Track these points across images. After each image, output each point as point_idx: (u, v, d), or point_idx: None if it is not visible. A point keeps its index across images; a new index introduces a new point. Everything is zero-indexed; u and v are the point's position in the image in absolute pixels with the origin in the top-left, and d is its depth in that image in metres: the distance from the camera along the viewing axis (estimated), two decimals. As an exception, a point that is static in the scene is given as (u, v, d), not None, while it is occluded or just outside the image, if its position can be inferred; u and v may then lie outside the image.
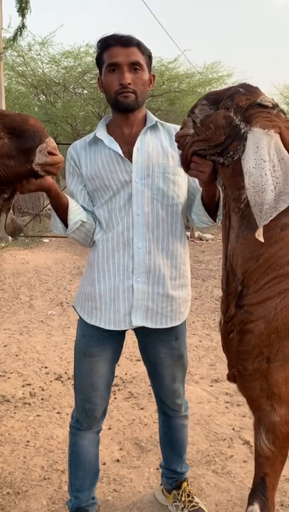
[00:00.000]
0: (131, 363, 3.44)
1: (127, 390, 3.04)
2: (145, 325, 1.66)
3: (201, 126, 1.36)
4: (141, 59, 1.60)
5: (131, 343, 3.74)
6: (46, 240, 9.19)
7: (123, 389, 3.06)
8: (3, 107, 8.84)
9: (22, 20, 4.93)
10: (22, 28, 5.10)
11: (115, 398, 2.91)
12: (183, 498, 1.90)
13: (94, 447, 1.81)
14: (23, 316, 4.55)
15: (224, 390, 3.02)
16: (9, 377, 3.21)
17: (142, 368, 3.32)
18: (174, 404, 1.85)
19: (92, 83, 14.14)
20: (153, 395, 1.96)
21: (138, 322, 1.65)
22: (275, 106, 1.37)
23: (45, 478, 2.17)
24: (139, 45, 1.61)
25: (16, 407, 2.81)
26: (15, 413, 2.74)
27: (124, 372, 3.29)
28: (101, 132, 1.67)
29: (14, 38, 5.54)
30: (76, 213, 1.60)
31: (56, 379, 3.19)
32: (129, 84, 1.57)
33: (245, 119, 1.34)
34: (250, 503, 1.51)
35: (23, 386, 3.09)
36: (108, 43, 1.62)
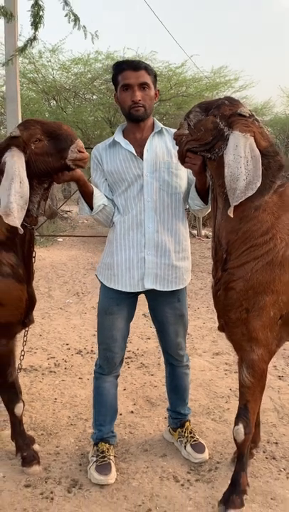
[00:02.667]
0: (142, 341, 3.87)
1: (139, 361, 3.47)
2: (155, 288, 2.10)
3: (194, 128, 1.80)
4: (148, 79, 2.04)
5: (141, 324, 4.20)
6: (60, 239, 9.66)
7: (135, 360, 3.49)
8: (19, 113, 9.29)
9: (34, 33, 5.21)
10: (33, 40, 5.37)
11: (129, 367, 3.34)
12: (186, 434, 2.33)
13: (113, 389, 2.25)
14: (43, 304, 5.00)
15: (224, 361, 3.44)
16: (35, 352, 3.65)
17: (151, 345, 3.77)
18: (178, 355, 2.29)
19: (102, 89, 14.58)
20: (161, 364, 2.39)
21: (149, 285, 2.09)
22: (251, 115, 1.80)
23: (71, 424, 2.61)
24: (146, 68, 2.06)
25: (43, 374, 3.26)
26: (43, 379, 3.18)
27: (136, 348, 3.71)
28: (118, 137, 2.12)
29: (23, 48, 5.83)
30: (99, 199, 2.05)
31: (77, 353, 3.64)
32: (140, 100, 2.01)
33: (228, 124, 1.78)
34: (236, 423, 1.94)
35: (48, 359, 3.53)
36: (122, 67, 2.07)
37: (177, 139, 1.87)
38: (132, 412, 2.75)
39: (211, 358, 3.52)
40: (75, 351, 3.68)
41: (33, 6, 4.68)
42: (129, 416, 2.70)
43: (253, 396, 1.92)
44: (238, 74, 15.82)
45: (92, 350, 3.64)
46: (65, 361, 3.48)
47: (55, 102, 16.78)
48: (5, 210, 1.83)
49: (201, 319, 4.42)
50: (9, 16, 5.11)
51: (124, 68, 2.06)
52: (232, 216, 1.73)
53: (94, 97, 16.05)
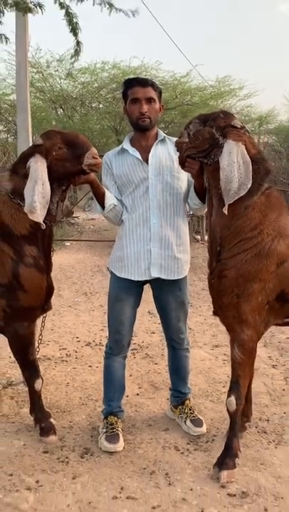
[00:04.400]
0: (147, 335, 4.15)
1: (144, 352, 3.74)
2: (160, 276, 2.38)
3: (193, 137, 2.09)
4: (154, 95, 2.34)
5: (146, 321, 4.47)
6: (68, 244, 9.96)
7: (141, 352, 3.76)
8: (29, 121, 9.63)
9: (76, 39, 5.45)
10: (78, 43, 5.61)
11: (135, 357, 3.62)
12: (186, 411, 2.60)
13: (121, 369, 2.53)
14: (53, 302, 5.28)
15: (222, 352, 3.71)
16: (48, 344, 3.93)
17: (155, 338, 4.04)
18: (179, 339, 2.57)
19: (108, 98, 14.93)
20: (165, 354, 2.68)
21: (155, 274, 2.38)
22: (243, 127, 2.09)
23: (83, 404, 2.89)
24: (152, 85, 2.36)
25: (56, 363, 3.54)
26: (55, 366, 3.46)
27: (142, 341, 3.99)
28: (126, 145, 2.41)
29: (75, 54, 6.02)
30: (110, 199, 2.34)
31: (86, 345, 3.92)
32: (146, 112, 2.31)
33: (222, 134, 2.07)
34: (228, 396, 2.22)
35: (59, 350, 3.81)
36: (131, 84, 2.37)
37: (178, 146, 2.16)
38: (137, 394, 3.02)
39: (210, 350, 3.79)
40: (85, 343, 3.95)
41: (65, 15, 5.03)
42: (135, 398, 2.97)
43: (244, 371, 2.20)
44: (243, 83, 16.07)
45: (100, 343, 3.92)
46: (76, 352, 3.76)
47: (62, 111, 17.13)
48: (30, 209, 2.13)
49: (203, 316, 4.69)
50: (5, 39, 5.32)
51: (133, 84, 2.36)
52: (226, 213, 2.02)
53: (100, 105, 16.38)
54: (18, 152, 9.94)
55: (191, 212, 2.52)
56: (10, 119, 16.70)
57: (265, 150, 22.58)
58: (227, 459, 2.18)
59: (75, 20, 4.95)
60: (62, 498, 2.05)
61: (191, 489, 2.12)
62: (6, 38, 4.90)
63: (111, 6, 4.74)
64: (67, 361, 3.57)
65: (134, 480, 2.18)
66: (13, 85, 15.08)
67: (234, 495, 2.08)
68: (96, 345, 3.90)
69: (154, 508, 2.00)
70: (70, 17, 4.91)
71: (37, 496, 2.06)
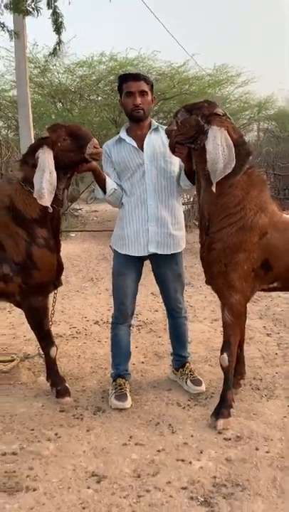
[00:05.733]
0: (150, 313, 4.44)
1: (148, 328, 4.03)
2: (157, 251, 2.66)
3: (180, 125, 2.35)
4: (146, 88, 2.60)
5: (150, 300, 4.75)
6: (73, 235, 10.25)
7: (145, 327, 4.05)
8: (30, 117, 9.87)
9: (59, 37, 5.64)
10: (59, 43, 5.81)
11: (140, 332, 3.91)
12: (186, 372, 2.89)
13: (127, 336, 2.82)
14: (62, 288, 5.51)
15: (221, 325, 3.95)
16: (59, 324, 4.22)
17: (158, 316, 4.32)
18: (177, 308, 2.85)
19: (106, 90, 15.09)
20: (167, 329, 2.99)
21: (153, 250, 2.66)
22: (225, 114, 2.35)
23: (93, 372, 3.19)
24: (145, 79, 2.62)
25: (67, 339, 3.83)
26: (67, 342, 3.76)
27: (146, 318, 4.27)
28: (123, 134, 2.68)
29: (53, 52, 6.21)
30: (110, 184, 2.61)
31: (94, 323, 4.21)
32: (140, 104, 2.57)
33: (207, 121, 2.33)
34: (221, 353, 2.51)
35: (70, 328, 4.11)
36: (125, 78, 2.63)
37: (168, 133, 2.42)
38: (142, 362, 3.32)
39: (210, 323, 4.08)
40: (93, 322, 4.25)
41: (52, 15, 5.23)
42: (140, 365, 3.27)
43: (234, 331, 2.48)
44: (240, 70, 16.14)
45: (107, 321, 4.20)
46: (85, 329, 4.06)
47: (61, 105, 17.30)
48: (38, 194, 2.41)
49: (203, 295, 4.97)
50: (16, 35, 5.57)
51: (127, 79, 2.63)
52: (214, 191, 2.28)
53: (99, 98, 16.50)
54: (20, 147, 10.21)
55: (192, 199, 2.79)
56: (10, 115, 16.88)
57: (265, 136, 22.72)
58: (223, 409, 2.48)
59: (60, 19, 5.13)
60: (79, 446, 2.35)
61: (192, 436, 2.41)
62: (15, 33, 5.14)
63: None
64: (77, 338, 3.86)
65: (141, 430, 2.48)
66: (11, 81, 15.26)
67: (229, 439, 2.38)
68: (104, 323, 4.19)
69: (159, 451, 2.30)
70: (56, 16, 5.09)
71: (56, 445, 2.36)
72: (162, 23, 18.64)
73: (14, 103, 15.28)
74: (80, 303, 4.91)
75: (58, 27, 5.20)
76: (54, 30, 5.23)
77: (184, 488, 2.04)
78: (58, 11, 5.05)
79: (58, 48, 5.65)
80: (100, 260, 7.33)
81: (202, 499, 1.97)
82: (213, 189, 2.27)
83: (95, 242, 9.14)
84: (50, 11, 5.04)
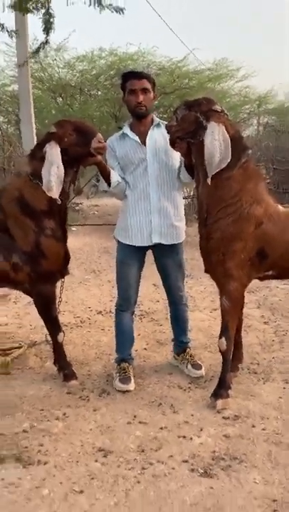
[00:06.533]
0: (152, 303, 4.57)
1: (150, 317, 4.17)
2: (160, 242, 2.80)
3: (180, 120, 2.48)
4: (148, 86, 2.72)
5: (151, 291, 4.89)
6: (74, 229, 10.36)
7: (147, 317, 4.19)
8: (32, 111, 9.95)
9: (46, 37, 5.75)
10: (45, 43, 5.92)
11: (142, 321, 4.05)
12: (187, 357, 3.03)
13: (130, 323, 2.97)
14: (65, 280, 5.72)
15: (220, 314, 4.13)
16: (63, 314, 4.33)
17: (159, 306, 4.46)
18: (178, 296, 3.00)
19: (106, 84, 15.14)
20: (168, 318, 3.15)
21: (156, 240, 2.79)
22: (222, 111, 2.48)
23: (98, 358, 3.33)
24: (147, 77, 2.74)
25: (71, 328, 3.97)
26: (72, 331, 3.89)
27: (148, 308, 4.41)
28: (126, 130, 2.81)
29: (36, 51, 6.34)
30: (115, 177, 2.74)
31: (98, 313, 4.35)
32: (142, 101, 2.70)
33: (205, 117, 2.46)
34: (220, 338, 2.65)
35: (74, 318, 4.25)
36: (128, 77, 2.75)
37: (168, 129, 2.55)
38: (145, 349, 3.46)
39: (209, 313, 4.22)
40: (96, 312, 4.39)
41: (44, 14, 5.32)
42: (143, 351, 3.41)
43: (232, 317, 2.62)
44: (240, 64, 16.17)
45: (110, 311, 4.33)
46: (89, 319, 4.20)
47: (61, 99, 17.35)
48: (47, 187, 2.54)
49: (203, 286, 5.10)
50: (15, 33, 5.67)
51: (130, 77, 2.75)
52: (209, 184, 2.41)
53: (99, 92, 16.53)
54: (23, 143, 10.31)
55: (192, 194, 2.92)
56: (10, 109, 16.92)
57: (264, 130, 22.78)
58: (222, 390, 2.62)
59: (51, 20, 5.20)
60: (86, 425, 2.50)
61: (192, 415, 2.56)
62: (15, 32, 5.23)
63: (100, 3, 4.97)
64: (81, 326, 4.00)
65: (144, 410, 2.62)
66: (11, 76, 15.29)
67: (228, 418, 2.52)
68: (106, 313, 4.33)
69: (161, 428, 2.45)
70: (48, 16, 5.16)
71: (65, 424, 2.50)
72: (162, 18, 18.61)
73: (14, 98, 15.33)
74: (84, 294, 5.05)
75: (47, 27, 5.27)
76: (43, 30, 5.29)
77: (185, 462, 2.18)
78: (51, 12, 5.13)
79: (42, 47, 5.72)
80: (101, 253, 7.47)
81: (202, 471, 2.12)
82: (208, 181, 2.40)
83: (97, 236, 9.27)
84: (43, 10, 5.11)
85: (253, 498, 1.94)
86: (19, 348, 3.42)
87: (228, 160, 2.39)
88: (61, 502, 1.95)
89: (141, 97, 2.70)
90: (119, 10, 4.96)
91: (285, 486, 2.01)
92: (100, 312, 4.37)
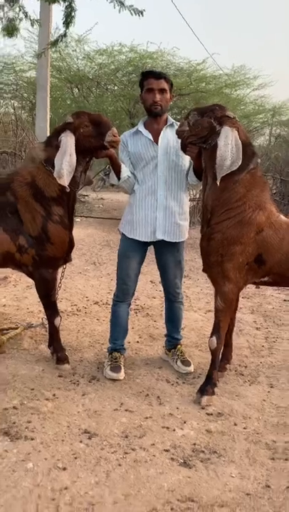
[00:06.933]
0: (148, 299, 4.65)
1: (145, 312, 4.26)
2: (163, 238, 2.88)
3: (193, 126, 2.55)
4: (165, 86, 2.80)
5: (148, 288, 4.97)
6: (78, 220, 10.45)
7: (142, 312, 4.27)
8: (48, 100, 10.00)
9: (65, 30, 5.75)
10: (64, 36, 5.91)
11: (137, 316, 4.13)
12: (178, 353, 3.12)
13: (125, 314, 3.05)
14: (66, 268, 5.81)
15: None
16: (61, 301, 4.43)
17: (155, 302, 4.55)
18: (175, 293, 3.07)
19: (124, 80, 15.20)
20: (163, 314, 3.23)
21: (160, 236, 2.87)
22: (234, 117, 2.56)
23: (91, 346, 3.41)
24: (165, 78, 2.81)
25: (68, 315, 4.06)
26: (68, 318, 3.98)
27: (144, 303, 4.49)
28: (141, 127, 2.89)
29: (55, 43, 6.36)
30: (125, 171, 2.82)
31: (94, 303, 4.43)
32: (158, 101, 2.78)
33: (219, 123, 2.53)
34: (211, 336, 2.73)
35: (71, 306, 4.33)
36: (147, 76, 2.83)
37: (179, 133, 2.62)
38: (137, 342, 3.54)
39: (204, 314, 4.30)
40: (93, 302, 4.47)
41: (66, 8, 5.35)
42: (135, 344, 3.49)
43: (224, 317, 2.71)
44: (258, 73, 16.23)
45: (107, 302, 4.43)
46: (85, 308, 4.28)
47: (77, 91, 17.41)
48: (58, 174, 2.62)
49: (200, 287, 5.19)
50: (37, 22, 5.70)
51: (149, 76, 2.82)
52: (219, 185, 2.49)
53: (115, 87, 16.59)
54: (35, 129, 10.39)
55: (198, 197, 3.00)
56: (25, 95, 16.98)
57: (276, 141, 22.84)
58: (208, 386, 2.70)
59: (73, 14, 5.21)
60: (74, 407, 2.58)
61: (177, 408, 2.64)
62: (37, 20, 5.27)
63: (122, 4, 4.97)
64: (77, 315, 4.09)
65: (131, 399, 2.70)
66: (30, 63, 15.36)
67: (211, 414, 2.60)
68: (103, 304, 4.42)
69: (146, 418, 2.53)
70: (69, 10, 5.18)
71: (54, 404, 2.59)
72: (185, 20, 18.70)
73: (31, 84, 15.37)
74: (82, 283, 5.14)
75: (68, 21, 5.28)
76: (64, 23, 5.28)
77: (167, 451, 2.26)
78: (73, 5, 5.15)
79: (60, 39, 5.73)
80: (103, 246, 7.55)
81: (182, 461, 2.20)
82: (218, 183, 2.48)
83: (100, 229, 9.35)
84: (66, 3, 5.11)
85: (228, 490, 2.02)
86: (15, 328, 3.51)
87: (239, 163, 2.46)
88: (44, 476, 2.03)
89: (158, 97, 2.77)
90: (138, 12, 4.97)
91: (259, 482, 2.09)
92: (97, 302, 4.45)
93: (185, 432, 2.42)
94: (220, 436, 2.41)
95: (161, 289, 3.28)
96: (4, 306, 4.18)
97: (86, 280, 5.31)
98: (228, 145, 2.46)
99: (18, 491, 1.94)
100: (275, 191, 10.67)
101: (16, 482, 1.99)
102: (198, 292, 4.99)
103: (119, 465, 2.14)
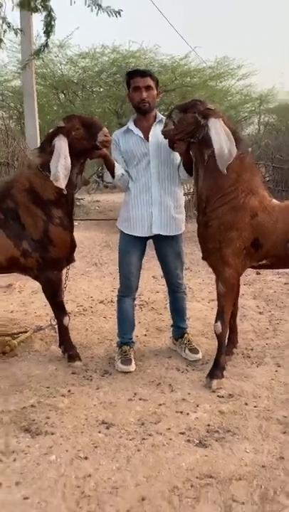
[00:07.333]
0: (152, 294, 4.74)
1: (150, 307, 4.34)
2: (160, 233, 2.96)
3: (178, 123, 2.63)
4: (151, 83, 2.88)
5: (151, 283, 5.05)
6: (76, 223, 10.52)
7: (147, 306, 4.36)
8: (35, 106, 10.06)
9: (46, 39, 5.81)
10: (46, 46, 5.97)
11: (142, 310, 4.22)
12: (185, 342, 3.20)
13: (131, 308, 3.14)
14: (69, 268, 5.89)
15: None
16: (66, 303, 4.45)
17: (159, 296, 4.63)
18: (177, 284, 3.17)
19: (108, 81, 15.25)
20: (167, 307, 3.32)
21: (156, 231, 2.96)
22: (216, 109, 2.64)
23: (101, 342, 3.50)
24: (150, 75, 2.90)
25: (75, 315, 4.14)
26: (75, 318, 4.06)
27: (148, 298, 4.58)
28: (131, 125, 2.97)
29: (37, 52, 6.41)
30: (119, 170, 2.91)
31: (99, 302, 4.52)
32: (145, 98, 2.86)
33: (203, 116, 2.61)
34: (215, 321, 2.82)
35: (77, 306, 4.41)
36: (133, 74, 2.91)
37: (166, 133, 2.69)
38: (145, 335, 3.63)
39: (207, 303, 4.39)
40: (98, 301, 4.56)
41: (45, 17, 5.41)
42: (143, 337, 3.58)
43: (227, 302, 2.79)
44: (241, 62, 16.28)
45: (111, 300, 4.51)
46: (91, 307, 4.37)
47: (63, 96, 17.46)
48: (54, 177, 2.70)
49: (201, 278, 5.28)
50: (20, 31, 5.76)
51: (135, 75, 2.91)
52: (225, 173, 2.55)
53: (101, 89, 16.64)
54: (26, 137, 10.46)
55: (192, 190, 3.07)
56: (12, 105, 17.01)
57: (265, 129, 22.93)
58: (217, 370, 2.79)
59: (52, 22, 5.26)
60: (90, 401, 2.67)
61: (189, 393, 2.73)
62: (20, 30, 5.34)
63: (99, 6, 5.00)
64: (84, 314, 4.18)
65: (144, 389, 2.79)
66: (14, 72, 15.40)
67: (222, 396, 2.70)
68: (108, 302, 4.50)
69: (160, 405, 2.62)
70: (49, 19, 5.23)
71: (70, 400, 2.67)
72: (164, 16, 18.77)
73: (16, 93, 15.42)
74: (86, 284, 5.22)
75: (48, 30, 5.33)
76: (44, 32, 5.32)
77: (182, 433, 2.35)
78: (53, 14, 5.20)
79: (42, 49, 5.78)
80: (103, 247, 7.63)
81: (197, 441, 2.29)
82: (224, 171, 2.54)
83: (98, 231, 9.43)
84: (45, 12, 5.16)
85: (244, 465, 2.11)
86: (25, 332, 3.59)
87: (235, 149, 2.54)
88: (67, 466, 2.12)
89: (144, 94, 2.86)
90: (115, 13, 5.00)
91: (273, 454, 2.18)
92: (102, 301, 4.54)
93: (198, 415, 2.51)
94: (232, 416, 2.50)
95: (164, 283, 3.37)
96: (12, 312, 4.27)
97: (89, 281, 5.40)
98: (219, 134, 2.54)
99: (44, 482, 2.03)
100: (268, 179, 10.76)
101: (41, 474, 2.08)
102: (200, 283, 5.08)
103: (138, 450, 2.23)
